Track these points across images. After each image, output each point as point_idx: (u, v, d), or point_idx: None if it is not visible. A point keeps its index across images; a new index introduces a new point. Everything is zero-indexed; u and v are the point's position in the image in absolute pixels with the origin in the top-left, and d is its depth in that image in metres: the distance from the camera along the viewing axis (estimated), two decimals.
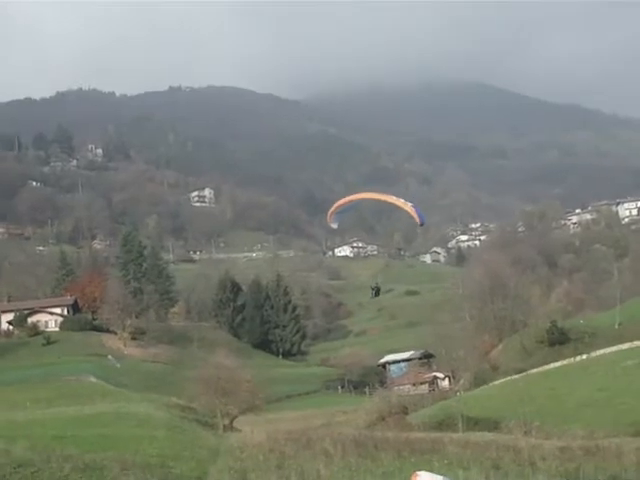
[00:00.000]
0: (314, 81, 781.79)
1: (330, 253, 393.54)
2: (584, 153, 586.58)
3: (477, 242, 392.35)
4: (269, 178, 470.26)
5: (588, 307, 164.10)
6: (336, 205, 32.41)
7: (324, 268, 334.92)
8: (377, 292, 64.82)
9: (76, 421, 55.54)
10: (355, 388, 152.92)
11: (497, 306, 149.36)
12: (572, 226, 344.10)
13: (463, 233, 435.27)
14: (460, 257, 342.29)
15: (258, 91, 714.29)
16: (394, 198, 32.23)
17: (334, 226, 34.29)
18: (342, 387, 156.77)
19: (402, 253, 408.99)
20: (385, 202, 33.75)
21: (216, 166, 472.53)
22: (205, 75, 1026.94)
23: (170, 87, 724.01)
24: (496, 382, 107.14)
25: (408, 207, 30.03)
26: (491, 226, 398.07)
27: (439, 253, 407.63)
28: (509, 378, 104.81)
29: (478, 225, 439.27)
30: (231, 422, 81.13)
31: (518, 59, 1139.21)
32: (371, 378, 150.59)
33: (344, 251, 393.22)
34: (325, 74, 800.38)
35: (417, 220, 29.51)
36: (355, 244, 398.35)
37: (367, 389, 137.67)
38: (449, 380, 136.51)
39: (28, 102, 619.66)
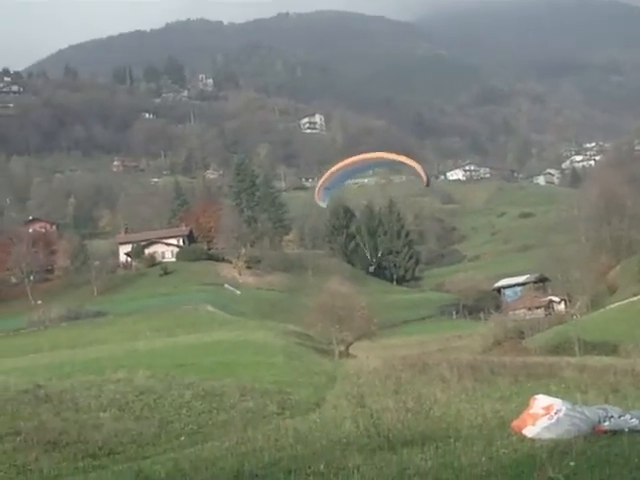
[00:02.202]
0: (425, 2, 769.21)
1: (442, 177, 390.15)
2: None
3: (592, 162, 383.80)
4: (379, 102, 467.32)
5: None
6: (325, 177, 30.36)
7: (436, 192, 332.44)
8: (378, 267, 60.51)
9: (195, 349, 56.59)
10: (470, 313, 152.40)
11: (614, 226, 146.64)
12: None
13: (577, 153, 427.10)
14: (575, 178, 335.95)
15: (368, 14, 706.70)
16: (399, 156, 30.59)
17: (323, 204, 31.67)
18: (457, 312, 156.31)
19: (515, 175, 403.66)
20: (390, 161, 31.82)
21: (326, 91, 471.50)
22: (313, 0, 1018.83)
23: (278, 13, 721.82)
24: (613, 305, 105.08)
25: (414, 164, 28.73)
26: (606, 145, 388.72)
27: (553, 174, 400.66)
28: (627, 300, 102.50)
29: (593, 145, 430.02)
30: (347, 348, 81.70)
31: None
32: (486, 303, 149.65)
33: (456, 175, 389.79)
34: None
35: (424, 178, 28.26)
36: (467, 167, 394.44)
37: (482, 314, 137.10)
38: (565, 304, 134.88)
39: (138, 34, 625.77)
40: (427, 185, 27.83)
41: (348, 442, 19.49)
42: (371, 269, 51.58)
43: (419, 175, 27.46)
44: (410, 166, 28.08)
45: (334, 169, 28.31)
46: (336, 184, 29.25)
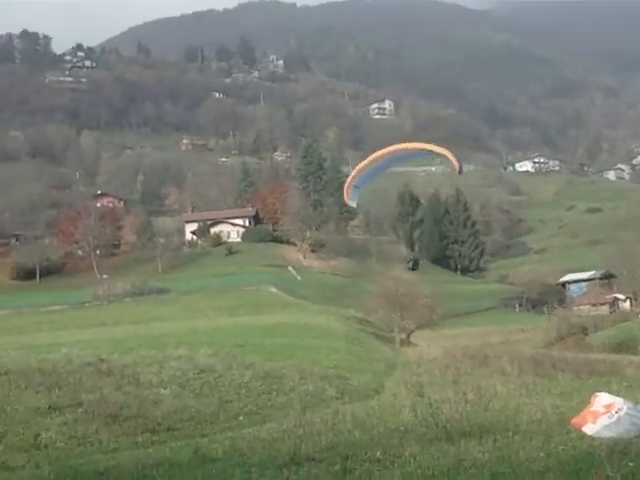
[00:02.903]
0: None
1: (511, 168, 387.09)
2: None
3: None
4: (450, 90, 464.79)
5: None
6: (353, 174, 29.25)
7: (504, 183, 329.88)
8: (416, 264, 58.29)
9: (257, 330, 56.92)
10: (533, 307, 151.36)
11: None
12: None
13: None
14: None
15: (443, 0, 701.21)
16: (426, 145, 29.63)
17: (352, 204, 30.49)
18: (520, 305, 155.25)
19: (585, 169, 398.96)
20: (419, 151, 30.72)
21: (396, 77, 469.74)
22: None
23: None
24: None
25: (446, 152, 27.86)
26: None
27: (623, 170, 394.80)
28: None
29: None
30: (408, 336, 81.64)
31: None
32: (550, 297, 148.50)
33: (525, 166, 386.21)
34: None
35: (456, 165, 27.48)
36: (537, 159, 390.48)
37: (545, 308, 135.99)
38: (630, 302, 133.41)
39: (211, 13, 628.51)
40: (460, 173, 27.24)
41: (406, 430, 19.50)
42: (409, 265, 49.11)
43: (451, 162, 27.02)
44: (441, 154, 27.63)
45: (361, 166, 27.81)
46: (365, 182, 28.70)
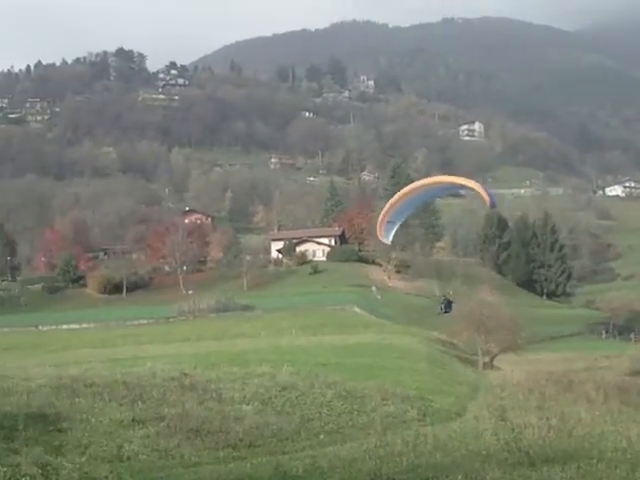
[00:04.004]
0: (594, 10, 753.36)
1: (600, 192, 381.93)
2: None
3: None
4: (540, 112, 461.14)
5: None
6: (385, 210, 28.37)
7: (593, 207, 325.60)
8: (448, 306, 55.33)
9: (339, 349, 56.87)
10: (620, 334, 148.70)
11: None
12: None
13: None
14: None
15: (535, 22, 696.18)
16: (458, 179, 28.86)
17: (386, 241, 29.49)
18: (606, 331, 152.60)
19: None
20: (450, 185, 29.84)
21: (487, 99, 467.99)
22: (480, 6, 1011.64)
23: (444, 18, 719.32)
24: None
25: (476, 185, 27.12)
26: None
27: None
28: None
29: None
30: (491, 360, 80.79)
31: None
32: (638, 324, 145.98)
33: (615, 190, 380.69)
34: (606, 3, 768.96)
35: (488, 202, 26.75)
36: (628, 184, 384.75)
37: (633, 335, 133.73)
38: None
39: (303, 33, 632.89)
40: (491, 207, 26.62)
41: (488, 454, 19.34)
42: (440, 307, 47.12)
43: (482, 197, 26.46)
44: (471, 188, 27.10)
45: (393, 200, 27.45)
46: (399, 217, 28.19)
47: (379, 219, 27.52)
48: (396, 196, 27.27)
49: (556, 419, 23.67)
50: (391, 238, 28.88)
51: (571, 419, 24.96)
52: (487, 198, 25.77)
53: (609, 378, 51.86)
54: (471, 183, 27.30)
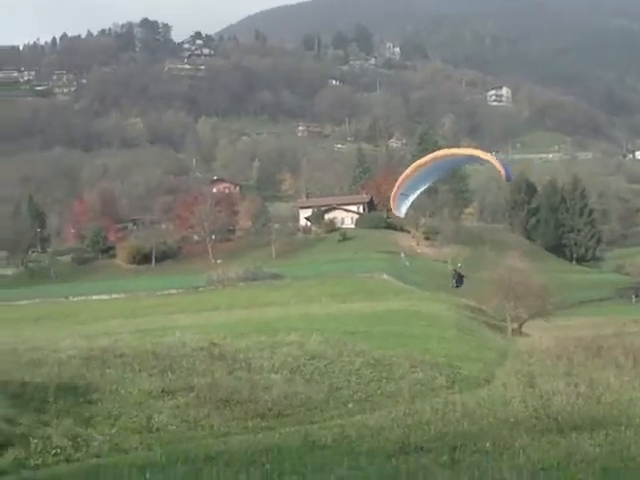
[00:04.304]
0: None
1: (630, 156, 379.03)
2: None
3: None
4: (568, 77, 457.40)
5: None
6: (399, 182, 27.73)
7: (623, 171, 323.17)
8: (459, 280, 53.52)
9: (368, 317, 56.87)
10: None
11: None
12: None
13: None
14: None
15: None
16: (473, 150, 28.38)
17: (399, 214, 28.89)
18: (636, 296, 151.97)
19: None
20: (465, 157, 29.28)
21: (514, 64, 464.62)
22: None
23: None
24: None
25: (492, 158, 26.69)
26: None
27: None
28: None
29: None
30: (520, 326, 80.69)
31: None
32: None
33: None
34: None
35: (503, 175, 26.37)
36: None
37: None
38: None
39: (328, 1, 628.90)
40: (507, 180, 26.31)
41: (516, 421, 19.34)
42: (453, 282, 46.05)
43: (497, 170, 26.18)
44: (487, 161, 26.83)
45: (408, 172, 27.14)
46: (412, 190, 27.77)
47: (393, 191, 27.17)
48: (410, 168, 26.99)
49: (584, 385, 23.64)
50: (404, 211, 28.59)
51: (600, 385, 24.90)
52: (502, 171, 25.59)
53: (638, 344, 51.64)
54: (487, 156, 27.09)
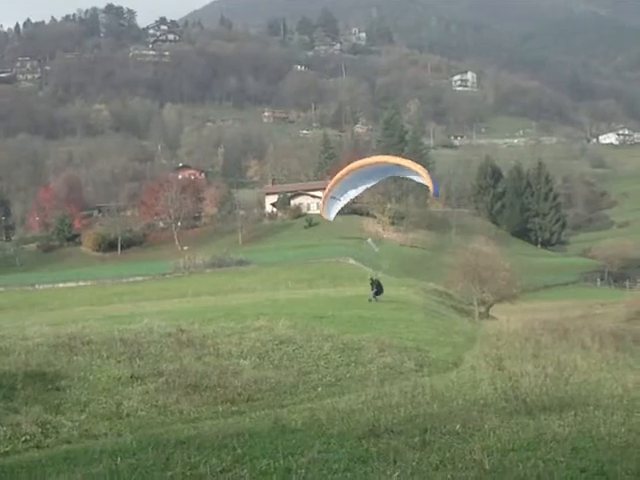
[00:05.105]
0: None
1: (594, 140, 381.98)
2: None
3: None
4: (533, 62, 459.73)
5: None
6: (330, 186, 27.50)
7: (587, 156, 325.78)
8: (379, 289, 53.74)
9: (336, 302, 56.87)
10: (615, 281, 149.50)
11: None
12: None
13: None
14: None
15: None
16: (404, 161, 28.33)
17: (329, 217, 28.83)
18: (601, 279, 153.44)
19: None
20: (396, 166, 29.14)
21: (479, 49, 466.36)
22: None
23: None
24: None
25: (423, 172, 26.75)
26: None
27: None
28: None
29: None
30: (487, 310, 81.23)
31: None
32: (633, 271, 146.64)
33: (609, 138, 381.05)
34: None
35: (431, 190, 26.48)
36: (621, 131, 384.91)
37: (628, 282, 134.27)
38: None
39: None
40: (434, 196, 26.55)
41: (485, 404, 19.44)
42: (371, 297, 44.25)
43: (425, 183, 26.15)
44: (416, 172, 26.77)
45: (338, 176, 27.01)
46: (342, 194, 27.58)
47: (324, 195, 26.97)
48: (342, 171, 26.87)
49: (552, 367, 23.78)
50: (333, 216, 28.42)
51: (567, 367, 25.05)
52: (431, 186, 25.58)
53: (604, 325, 52.08)
54: (418, 167, 27.01)
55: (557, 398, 18.84)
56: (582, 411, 17.52)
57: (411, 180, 29.40)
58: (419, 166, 27.38)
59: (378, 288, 53.30)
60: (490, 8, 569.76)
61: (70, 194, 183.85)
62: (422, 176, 26.38)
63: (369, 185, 30.00)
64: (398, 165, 28.10)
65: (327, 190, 26.86)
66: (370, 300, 52.24)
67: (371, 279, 53.88)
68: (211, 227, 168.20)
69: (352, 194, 28.60)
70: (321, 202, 26.72)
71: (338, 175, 26.55)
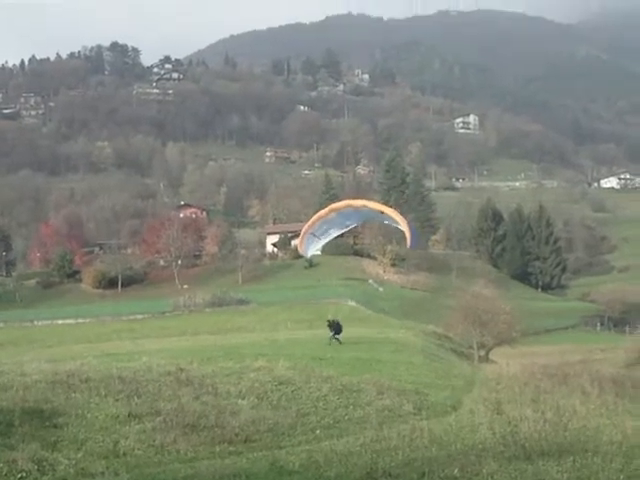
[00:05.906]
0: (586, 3, 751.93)
1: (595, 184, 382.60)
2: None
3: None
4: (535, 105, 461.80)
5: None
6: (310, 222, 27.48)
7: (588, 200, 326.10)
8: (336, 329, 53.84)
9: (335, 343, 56.83)
10: (615, 326, 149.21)
11: None
12: None
13: None
14: None
15: (529, 14, 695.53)
16: (386, 208, 28.37)
17: (307, 255, 28.97)
18: (601, 324, 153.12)
19: None
20: (378, 212, 29.09)
21: (482, 92, 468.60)
22: None
23: (438, 11, 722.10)
24: None
25: (403, 222, 26.77)
26: None
27: None
28: None
29: None
30: (487, 353, 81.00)
31: None
32: (633, 316, 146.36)
33: (610, 182, 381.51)
34: None
35: (408, 239, 26.54)
36: (623, 175, 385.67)
37: (627, 327, 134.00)
38: None
39: (297, 27, 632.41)
40: (410, 247, 26.54)
41: (484, 448, 19.37)
42: (330, 335, 43.96)
43: (404, 234, 26.17)
44: (396, 222, 26.73)
45: (322, 213, 26.97)
46: (322, 232, 27.55)
47: (302, 230, 26.96)
48: (324, 210, 26.89)
49: (551, 412, 23.74)
50: (310, 253, 28.40)
51: (566, 412, 25.01)
52: (409, 238, 25.59)
53: (604, 371, 51.90)
54: (399, 218, 27.03)
55: (556, 443, 18.79)
56: (581, 457, 17.46)
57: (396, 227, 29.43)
58: (400, 217, 27.38)
59: (337, 328, 53.21)
60: (493, 51, 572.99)
61: (71, 230, 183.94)
62: (402, 226, 26.37)
63: (351, 227, 30.00)
64: (382, 212, 28.10)
65: (307, 226, 26.81)
66: (330, 342, 52.09)
67: (328, 321, 53.81)
68: (212, 266, 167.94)
69: (333, 233, 28.62)
70: (299, 238, 26.65)
71: (321, 212, 26.55)
